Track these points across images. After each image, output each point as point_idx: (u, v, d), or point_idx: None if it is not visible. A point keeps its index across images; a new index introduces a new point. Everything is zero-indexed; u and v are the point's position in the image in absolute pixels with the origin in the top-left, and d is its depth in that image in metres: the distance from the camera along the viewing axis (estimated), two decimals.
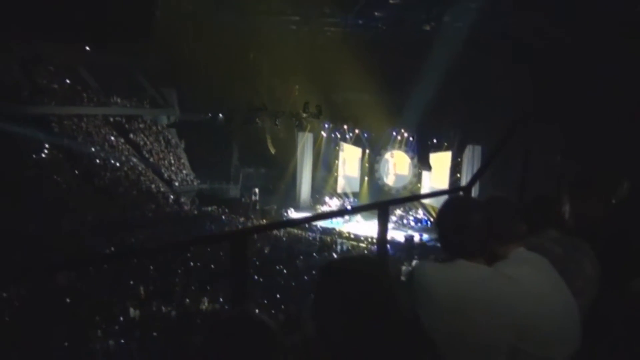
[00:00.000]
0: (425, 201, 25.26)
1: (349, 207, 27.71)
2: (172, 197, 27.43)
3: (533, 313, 1.82)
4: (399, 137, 28.53)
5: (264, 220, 24.55)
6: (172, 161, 30.64)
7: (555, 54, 19.41)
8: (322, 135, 31.05)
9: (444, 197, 2.05)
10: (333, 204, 29.15)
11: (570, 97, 17.34)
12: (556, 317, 1.91)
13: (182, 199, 27.96)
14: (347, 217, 25.45)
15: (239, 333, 1.31)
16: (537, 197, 2.63)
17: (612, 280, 2.33)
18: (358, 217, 25.13)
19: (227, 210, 27.48)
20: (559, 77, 18.80)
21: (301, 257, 18.31)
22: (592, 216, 2.73)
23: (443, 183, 26.14)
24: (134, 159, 28.40)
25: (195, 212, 27.02)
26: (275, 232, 22.27)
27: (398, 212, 26.21)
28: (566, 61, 18.86)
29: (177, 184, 29.27)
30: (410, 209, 26.75)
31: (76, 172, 24.86)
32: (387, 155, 29.30)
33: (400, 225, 25.43)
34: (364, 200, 28.59)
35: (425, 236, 22.59)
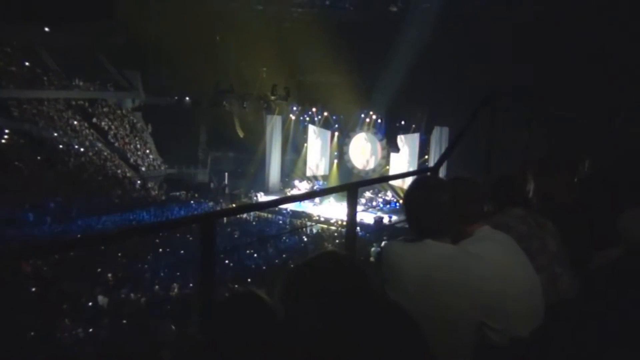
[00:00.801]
0: (394, 183, 25.47)
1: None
2: (139, 182, 27.01)
3: (499, 290, 1.86)
4: (367, 120, 28.60)
5: (234, 205, 24.43)
6: (138, 146, 30.10)
7: (521, 31, 19.63)
8: (291, 118, 30.89)
9: (412, 179, 2.07)
10: (302, 187, 29.16)
11: (539, 74, 17.60)
12: (521, 294, 1.96)
13: (150, 184, 27.56)
14: (317, 200, 25.52)
15: (244, 309, 1.49)
16: (502, 176, 2.68)
17: (575, 256, 2.40)
18: (331, 199, 25.26)
19: (196, 195, 27.22)
20: (524, 54, 19.09)
21: (271, 240, 18.33)
22: (555, 194, 2.80)
23: (411, 165, 26.40)
24: (99, 144, 27.79)
25: (163, 197, 26.69)
26: (245, 216, 22.19)
27: (367, 194, 26.39)
28: (533, 39, 19.14)
29: (143, 169, 28.81)
30: (379, 191, 26.96)
31: (38, 158, 24.21)
32: (356, 138, 29.38)
33: (370, 207, 25.65)
34: (334, 183, 28.62)
35: (394, 217, 22.84)
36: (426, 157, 26.24)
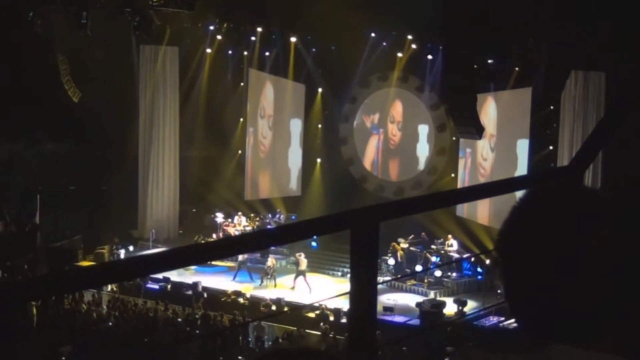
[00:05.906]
0: (470, 212, 25.74)
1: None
2: None
3: None
4: (399, 54, 28.88)
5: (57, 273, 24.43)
6: None
7: None
8: (205, 53, 31.16)
9: (520, 196, 1.99)
10: (235, 229, 29.27)
11: None
12: None
13: None
14: (272, 261, 25.66)
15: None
16: None
17: None
18: (302, 258, 25.37)
19: None
20: None
21: None
22: None
23: (514, 164, 26.72)
24: None
25: None
26: (90, 300, 22.20)
27: (402, 243, 26.55)
28: None
29: None
30: (430, 237, 27.18)
31: None
32: (371, 100, 29.68)
33: (407, 276, 25.81)
34: (316, 211, 28.73)
35: (471, 304, 23.05)
36: (550, 148, 26.55)
